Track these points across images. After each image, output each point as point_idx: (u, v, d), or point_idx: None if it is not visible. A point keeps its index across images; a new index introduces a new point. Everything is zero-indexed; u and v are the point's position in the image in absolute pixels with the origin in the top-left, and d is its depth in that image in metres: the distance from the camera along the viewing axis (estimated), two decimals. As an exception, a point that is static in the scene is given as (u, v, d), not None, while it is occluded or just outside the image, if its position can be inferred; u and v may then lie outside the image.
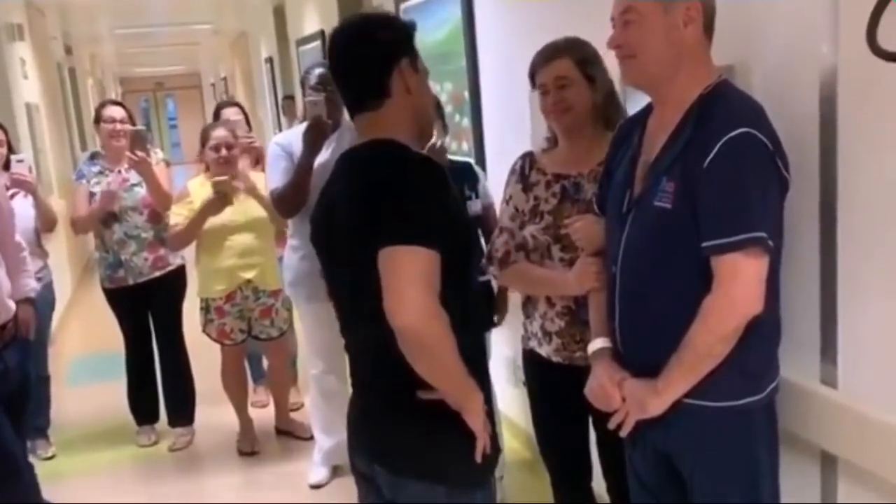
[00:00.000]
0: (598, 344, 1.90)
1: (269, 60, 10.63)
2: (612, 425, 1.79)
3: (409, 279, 1.54)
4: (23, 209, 3.61)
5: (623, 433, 1.78)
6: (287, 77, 9.29)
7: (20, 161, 3.64)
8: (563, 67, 2.13)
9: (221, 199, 3.54)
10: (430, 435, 1.68)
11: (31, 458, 3.72)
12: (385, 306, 1.56)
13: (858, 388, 1.74)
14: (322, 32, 6.85)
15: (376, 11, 1.85)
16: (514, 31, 3.26)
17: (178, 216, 3.64)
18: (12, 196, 3.53)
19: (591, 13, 2.55)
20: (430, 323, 1.55)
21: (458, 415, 1.65)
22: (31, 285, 2.88)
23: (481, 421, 1.66)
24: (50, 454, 4.03)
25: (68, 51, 10.42)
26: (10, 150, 3.80)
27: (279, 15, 9.18)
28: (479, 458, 1.67)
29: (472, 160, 3.43)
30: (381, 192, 1.63)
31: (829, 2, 1.68)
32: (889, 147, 1.59)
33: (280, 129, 9.66)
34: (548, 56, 2.16)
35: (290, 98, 8.83)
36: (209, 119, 4.48)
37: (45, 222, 3.86)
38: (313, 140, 3.03)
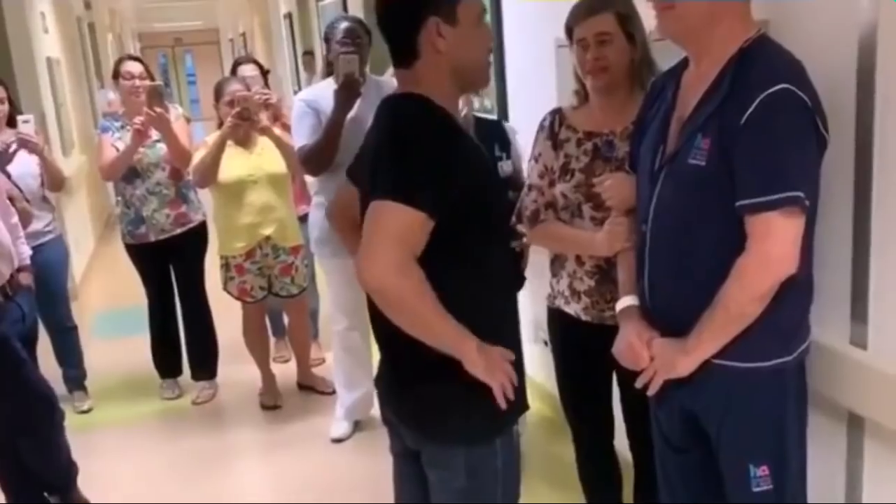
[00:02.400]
0: (626, 301, 1.87)
1: (289, 16, 10.51)
2: (639, 384, 1.78)
3: (382, 236, 1.53)
4: (27, 167, 3.64)
5: (650, 392, 1.77)
6: (306, 33, 9.20)
7: (26, 122, 3.64)
8: (606, 23, 2.07)
9: (242, 115, 3.51)
10: (447, 389, 1.67)
11: (70, 410, 3.83)
12: (355, 260, 1.57)
13: (888, 349, 1.72)
14: (342, -13, 6.75)
15: None
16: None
17: (198, 156, 3.63)
18: (14, 153, 3.55)
19: None
20: (393, 279, 1.53)
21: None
22: (26, 253, 2.94)
23: (481, 364, 1.62)
24: (87, 407, 4.10)
25: (87, 5, 10.34)
26: (13, 106, 3.79)
27: (298, -32, 9.07)
28: (502, 404, 1.64)
29: (503, 120, 3.37)
30: (384, 144, 1.63)
31: None
32: None
33: (299, 86, 9.61)
34: (590, 9, 2.09)
35: (309, 54, 8.77)
36: (228, 74, 4.45)
37: (52, 181, 3.87)
38: (346, 98, 3.00)
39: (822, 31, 1.77)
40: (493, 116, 3.47)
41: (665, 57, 1.95)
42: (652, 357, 1.76)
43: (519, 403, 1.74)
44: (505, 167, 2.90)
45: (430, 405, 1.72)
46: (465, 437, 1.71)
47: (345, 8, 6.70)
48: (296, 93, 8.78)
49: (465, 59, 1.66)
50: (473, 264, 1.64)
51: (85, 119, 8.31)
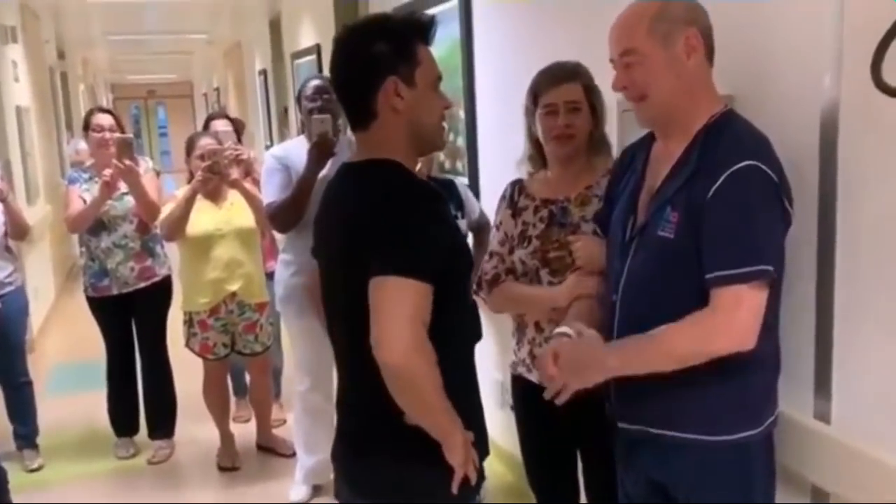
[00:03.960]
0: (561, 328, 1.80)
1: (263, 72, 10.61)
2: (547, 396, 1.71)
3: (398, 312, 1.52)
4: None
5: (559, 401, 1.70)
6: (281, 90, 9.28)
7: None
8: (575, 91, 2.14)
9: (212, 169, 3.49)
10: (412, 462, 1.66)
11: (18, 469, 3.69)
12: (371, 338, 1.53)
13: (852, 424, 1.72)
14: (318, 46, 6.84)
15: (378, 15, 1.73)
16: (512, 51, 3.25)
17: (167, 210, 3.60)
18: None
19: (590, 36, 2.57)
20: (414, 359, 1.52)
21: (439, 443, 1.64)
22: None
23: (461, 457, 1.63)
24: (37, 465, 3.95)
25: (61, 55, 10.37)
26: None
27: (275, 27, 9.18)
28: (454, 490, 1.64)
29: (454, 178, 3.41)
30: (375, 219, 1.60)
31: (832, 35, 1.68)
32: (889, 183, 1.58)
33: (272, 141, 9.65)
34: (560, 78, 2.15)
35: (287, 109, 8.82)
36: (200, 128, 4.45)
37: (16, 230, 3.82)
38: (318, 157, 3.01)
39: (785, 106, 1.82)
40: (448, 176, 3.50)
41: (634, 126, 1.99)
42: (558, 363, 1.69)
43: (481, 477, 1.73)
44: (461, 226, 2.94)
45: (390, 479, 1.69)
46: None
47: (319, 66, 6.78)
48: (268, 148, 8.84)
49: (421, 121, 1.66)
50: (446, 322, 1.63)
51: (52, 168, 8.24)
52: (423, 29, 1.65)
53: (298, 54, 7.64)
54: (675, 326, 1.59)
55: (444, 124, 1.77)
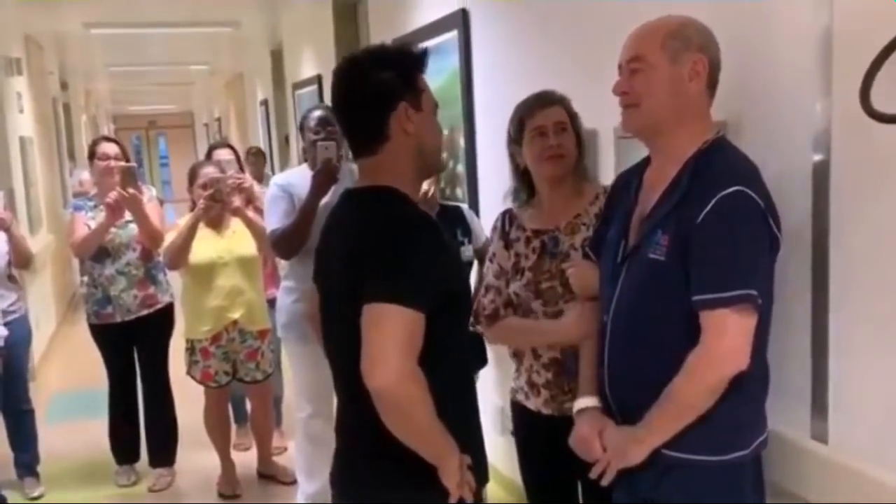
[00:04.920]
0: (584, 403, 1.90)
1: (265, 103, 10.72)
2: (593, 475, 1.79)
3: (389, 340, 1.54)
4: None
5: (604, 482, 1.77)
6: (282, 120, 9.37)
7: None
8: (561, 114, 2.19)
9: (214, 197, 3.54)
10: (409, 485, 1.68)
11: (19, 497, 3.68)
12: (362, 365, 1.55)
13: (848, 443, 1.75)
14: (319, 77, 6.93)
15: (377, 46, 1.82)
16: (512, 80, 3.30)
17: (170, 238, 3.63)
18: None
19: (587, 63, 2.64)
20: (405, 385, 1.54)
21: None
22: (2, 333, 2.81)
23: (455, 480, 1.65)
24: (38, 494, 3.95)
25: (64, 86, 10.48)
26: None
27: (276, 58, 9.30)
28: None
29: (463, 205, 3.45)
30: (370, 245, 1.63)
31: (822, 62, 1.72)
32: (882, 207, 1.62)
33: (273, 170, 9.72)
34: (545, 101, 2.21)
35: (287, 138, 8.92)
36: (201, 158, 4.50)
37: (20, 258, 3.86)
38: (322, 183, 3.05)
39: (777, 133, 1.86)
40: (456, 203, 3.54)
41: (630, 152, 2.03)
42: (604, 447, 1.78)
43: (478, 500, 1.75)
44: (466, 252, 2.98)
45: (388, 502, 1.71)
46: None
47: (320, 95, 6.86)
48: (270, 176, 8.90)
49: (428, 142, 1.74)
50: (442, 348, 1.65)
51: (55, 198, 8.29)
52: (419, 59, 1.73)
53: (299, 84, 7.73)
54: (678, 380, 1.64)
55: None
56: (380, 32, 5.08)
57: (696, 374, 1.63)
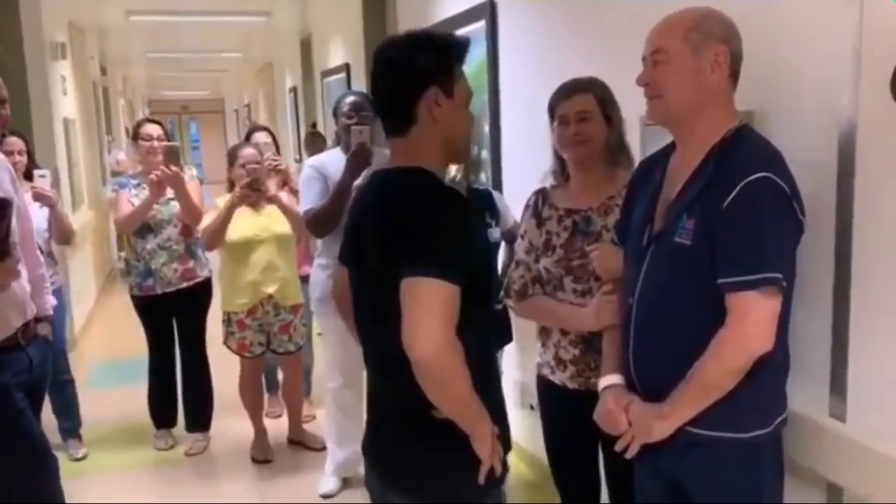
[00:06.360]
0: (609, 380, 1.94)
1: (294, 90, 10.89)
2: (618, 448, 1.84)
3: (429, 312, 1.57)
4: (37, 221, 3.63)
5: (629, 455, 1.83)
6: (310, 106, 9.55)
7: (42, 176, 3.79)
8: (586, 102, 2.24)
9: (251, 185, 3.72)
10: (440, 453, 1.72)
11: (64, 458, 3.87)
12: (403, 337, 1.59)
13: (867, 422, 1.79)
14: (347, 66, 7.08)
15: (421, 31, 1.81)
16: (537, 70, 3.42)
17: (208, 219, 3.83)
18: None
19: (611, 52, 2.72)
20: (445, 356, 1.58)
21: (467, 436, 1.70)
22: (51, 303, 2.89)
23: (489, 448, 1.70)
24: (82, 455, 4.18)
25: (103, 71, 10.74)
26: (31, 160, 3.93)
27: (305, 47, 9.46)
28: (481, 480, 1.71)
29: (492, 189, 3.60)
30: (407, 222, 1.65)
31: (851, 53, 1.74)
32: None
33: (300, 155, 9.91)
34: (572, 90, 2.27)
35: (315, 124, 9.08)
36: (230, 142, 4.69)
37: (62, 234, 4.01)
38: (356, 165, 3.18)
39: (803, 123, 1.89)
40: (486, 186, 3.68)
41: (655, 139, 2.09)
42: (630, 422, 1.83)
43: (504, 468, 1.80)
44: (494, 234, 3.09)
45: (420, 469, 1.76)
46: (454, 494, 1.75)
47: (348, 83, 7.01)
48: (297, 161, 9.11)
49: (456, 131, 1.75)
50: (473, 324, 1.68)
51: (94, 177, 8.55)
52: (460, 49, 1.75)
53: (328, 73, 7.90)
54: (705, 361, 1.68)
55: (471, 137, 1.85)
56: (408, 22, 5.16)
57: (721, 354, 1.66)
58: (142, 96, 20.32)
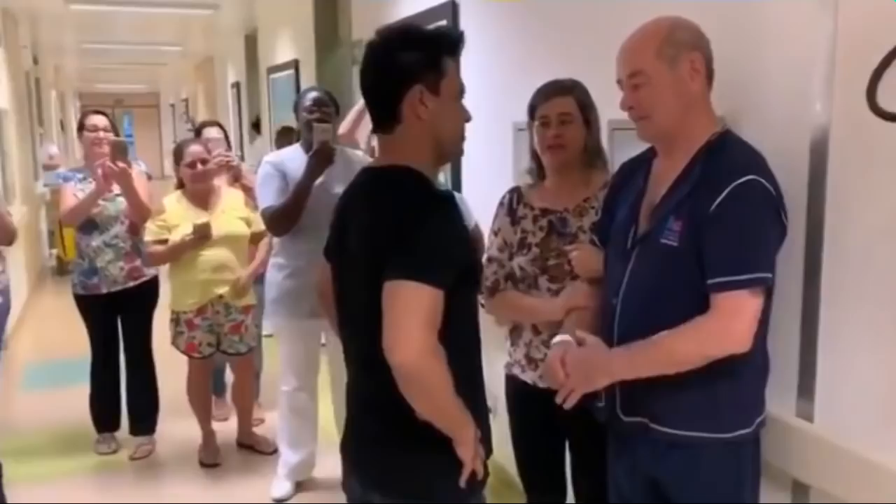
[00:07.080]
0: (558, 338, 1.92)
1: (236, 85, 10.72)
2: (558, 400, 1.80)
3: (410, 317, 1.54)
4: None
5: (568, 405, 1.80)
6: (254, 102, 9.39)
7: None
8: (568, 104, 2.25)
9: (201, 238, 3.66)
10: (423, 454, 1.70)
11: None
12: (384, 342, 1.56)
13: (833, 422, 1.81)
14: (296, 62, 6.98)
15: (411, 25, 1.76)
16: (499, 70, 3.41)
17: (151, 233, 3.72)
18: None
19: (574, 54, 2.71)
20: (426, 361, 1.55)
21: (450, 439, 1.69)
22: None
23: (471, 451, 1.69)
24: None
25: (35, 60, 10.36)
26: None
27: (250, 42, 9.31)
28: (462, 484, 1.70)
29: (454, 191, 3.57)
30: (392, 223, 1.63)
31: (825, 60, 1.75)
32: (876, 204, 1.67)
33: (242, 152, 9.75)
34: (554, 91, 2.27)
35: (259, 119, 8.92)
36: (165, 138, 4.58)
37: (5, 235, 3.71)
38: (318, 164, 3.13)
39: (776, 129, 1.89)
40: (446, 188, 3.66)
41: (624, 143, 2.10)
42: (567, 373, 1.79)
43: (485, 472, 1.79)
44: None
45: (403, 470, 1.74)
46: (434, 496, 1.73)
47: (297, 81, 6.90)
48: (240, 157, 8.94)
49: (444, 129, 1.71)
50: (458, 325, 1.67)
51: (27, 171, 8.23)
52: (451, 42, 1.71)
53: (275, 69, 7.78)
54: (677, 331, 1.67)
55: (465, 133, 1.80)
56: (363, 22, 5.11)
57: (701, 339, 1.67)
58: (73, 89, 19.69)
